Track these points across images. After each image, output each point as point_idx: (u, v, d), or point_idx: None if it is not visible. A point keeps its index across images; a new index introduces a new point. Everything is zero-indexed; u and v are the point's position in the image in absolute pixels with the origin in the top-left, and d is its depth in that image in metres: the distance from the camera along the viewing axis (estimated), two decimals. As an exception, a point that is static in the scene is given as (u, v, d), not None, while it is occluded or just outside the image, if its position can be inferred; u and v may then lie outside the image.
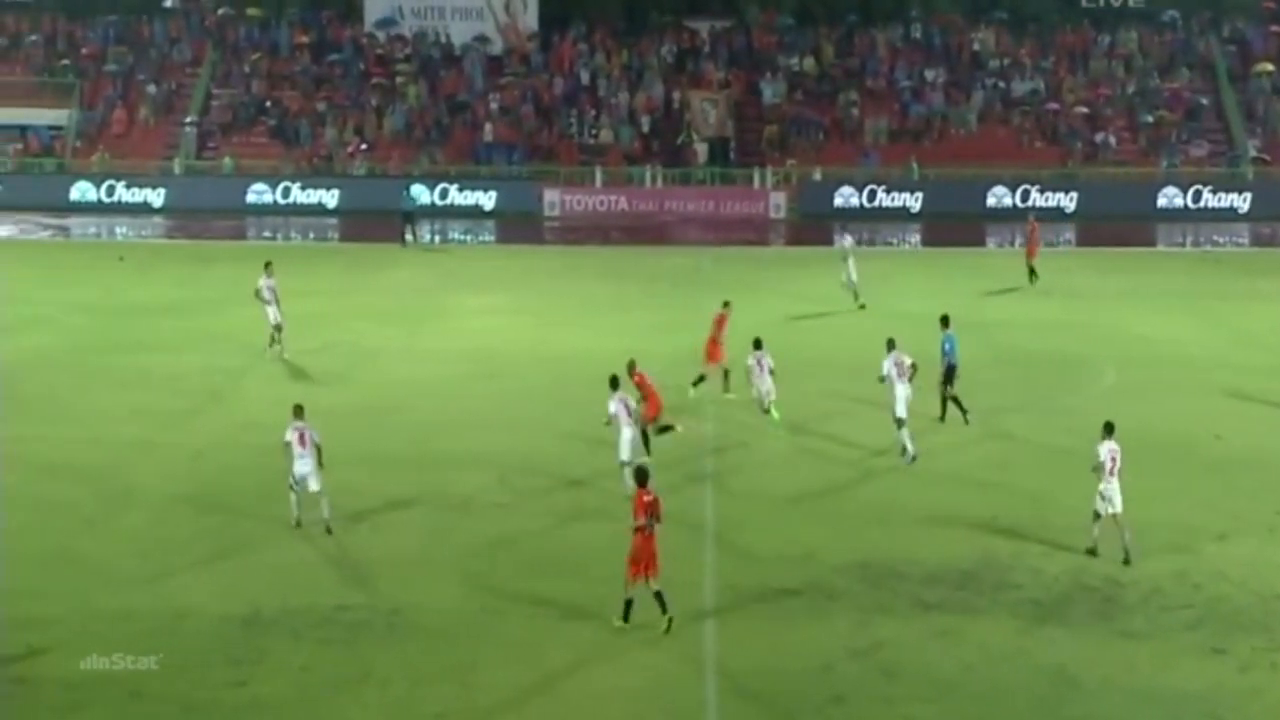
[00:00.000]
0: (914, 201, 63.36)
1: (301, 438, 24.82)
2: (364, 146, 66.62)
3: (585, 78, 70.15)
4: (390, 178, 64.60)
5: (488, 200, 63.82)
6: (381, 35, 72.44)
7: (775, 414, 30.92)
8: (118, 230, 60.25)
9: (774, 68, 70.24)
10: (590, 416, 28.59)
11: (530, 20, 71.86)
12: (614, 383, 27.10)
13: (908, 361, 28.94)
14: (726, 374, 32.91)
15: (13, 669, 19.55)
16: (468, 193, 63.86)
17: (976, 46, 71.45)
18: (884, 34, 71.94)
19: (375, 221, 59.83)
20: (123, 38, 72.55)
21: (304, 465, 24.68)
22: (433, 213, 61.95)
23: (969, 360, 32.69)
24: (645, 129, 67.77)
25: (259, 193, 63.63)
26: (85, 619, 21.11)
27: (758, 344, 31.25)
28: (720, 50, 71.38)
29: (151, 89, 69.43)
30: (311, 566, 23.31)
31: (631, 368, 28.76)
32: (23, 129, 68.09)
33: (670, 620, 20.87)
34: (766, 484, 27.62)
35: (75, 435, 30.01)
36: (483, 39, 71.69)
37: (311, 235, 58.42)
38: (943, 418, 31.04)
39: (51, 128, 68.53)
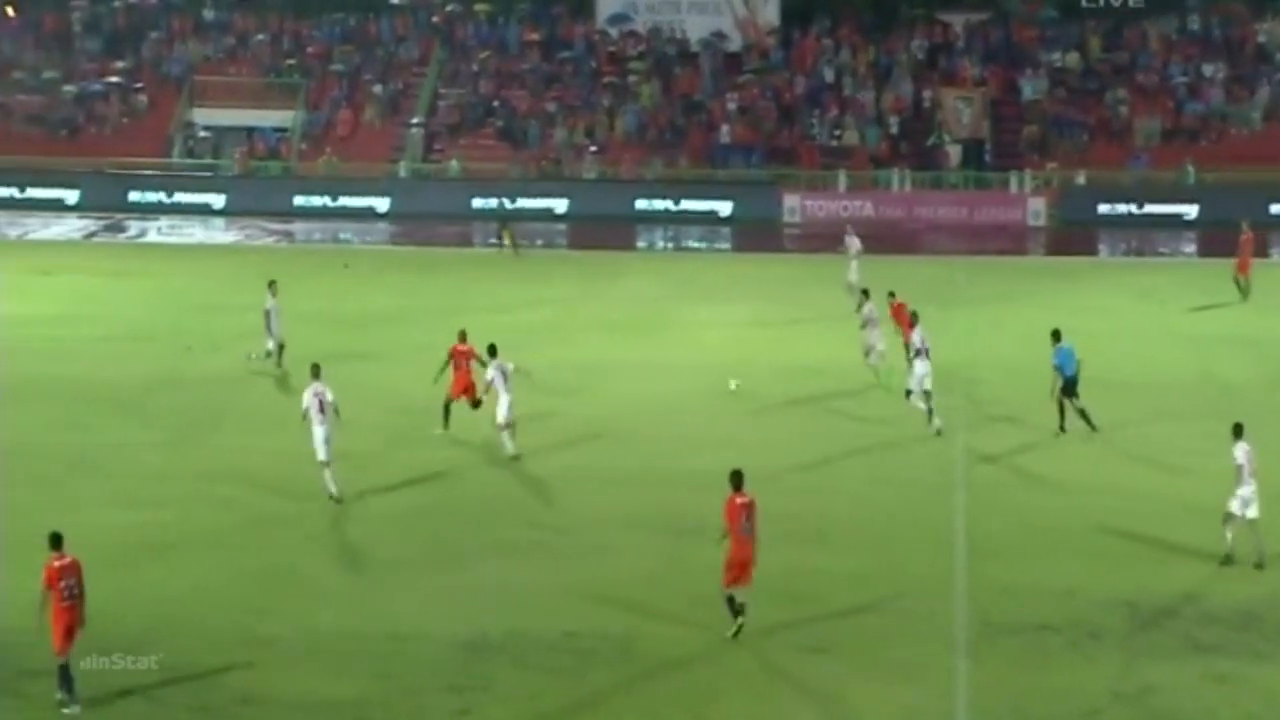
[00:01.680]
0: (1189, 209, 61.70)
1: (321, 405, 26.49)
2: (593, 149, 67.34)
3: (829, 75, 69.90)
4: (622, 182, 65.21)
5: (724, 206, 63.98)
6: (614, 32, 73.13)
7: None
8: (342, 235, 61.80)
9: (1034, 63, 69.12)
10: (836, 434, 28.45)
11: (771, 15, 71.88)
12: (492, 350, 29.95)
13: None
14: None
15: (237, 688, 20.11)
16: (701, 200, 64.10)
17: (1262, 38, 69.38)
18: (1156, 26, 70.27)
19: (606, 228, 60.46)
20: (349, 36, 74.45)
21: (322, 431, 26.16)
22: (665, 218, 62.33)
23: (1244, 382, 31.80)
24: (893, 130, 67.24)
25: (485, 198, 64.70)
26: (306, 638, 21.64)
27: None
28: (976, 45, 70.49)
29: (377, 89, 71.10)
30: (538, 589, 23.56)
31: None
32: (249, 131, 70.28)
33: (739, 630, 21.34)
34: (1024, 510, 27.16)
35: (295, 449, 30.79)
36: (720, 35, 71.90)
37: (539, 242, 59.20)
38: (1061, 428, 31.43)
39: (277, 130, 70.60)
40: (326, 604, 22.80)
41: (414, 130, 69.62)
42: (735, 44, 71.79)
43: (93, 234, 60.75)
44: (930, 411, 31.79)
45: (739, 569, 21.48)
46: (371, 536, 25.92)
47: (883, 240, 59.26)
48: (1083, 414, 31.51)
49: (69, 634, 19.18)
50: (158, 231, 61.61)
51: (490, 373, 29.72)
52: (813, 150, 66.87)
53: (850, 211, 63.02)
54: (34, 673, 20.05)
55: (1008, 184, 64.00)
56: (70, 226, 61.81)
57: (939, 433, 31.40)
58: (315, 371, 27.92)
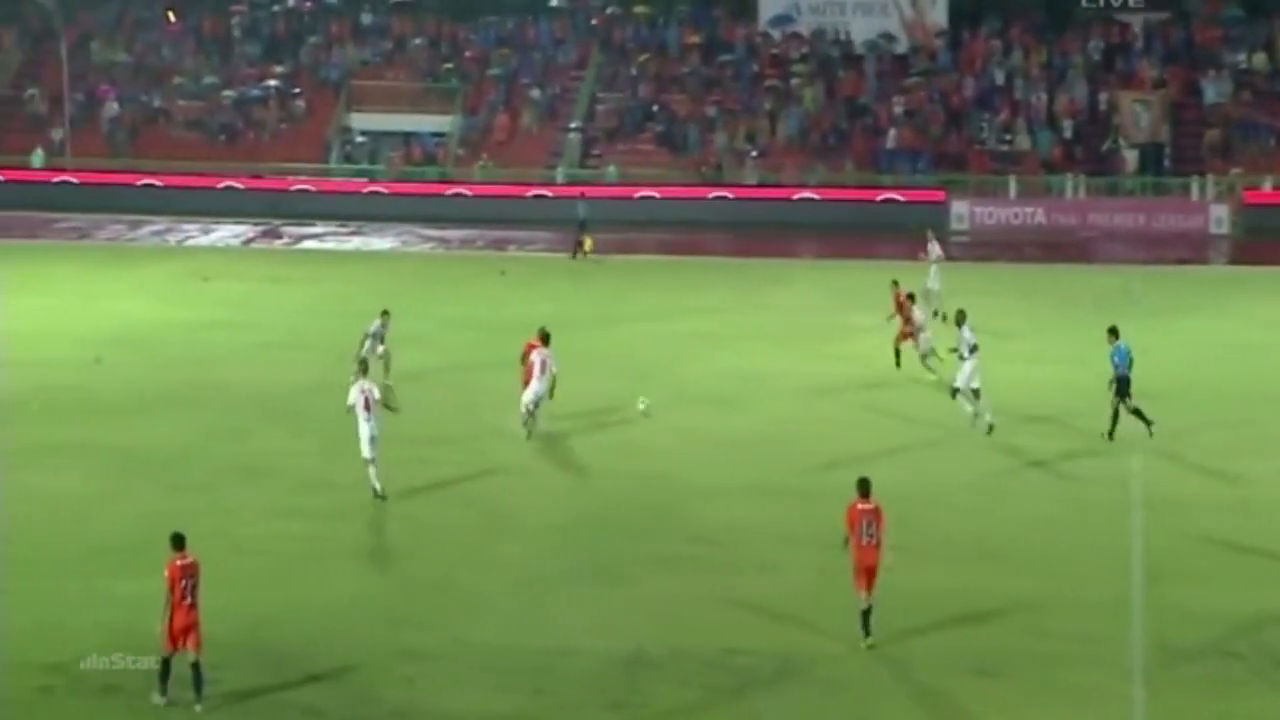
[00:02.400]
0: (1386, 218, 60.24)
1: (367, 402, 27.22)
2: (754, 154, 67.31)
3: (999, 78, 69.25)
4: (783, 187, 65.11)
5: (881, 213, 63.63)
6: (776, 34, 73.08)
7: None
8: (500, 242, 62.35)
9: (1217, 64, 67.91)
10: (1003, 450, 28.19)
11: (939, 16, 71.38)
12: (545, 338, 31.99)
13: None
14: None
15: (395, 701, 20.37)
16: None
17: None
18: (1351, 24, 68.80)
19: (766, 235, 60.40)
20: (507, 40, 75.15)
21: (368, 428, 27.30)
22: (824, 225, 62.20)
23: None
24: (1067, 134, 66.46)
25: (643, 202, 64.91)
26: (464, 652, 21.86)
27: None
28: (1155, 45, 69.43)
29: (535, 93, 71.68)
30: (697, 605, 23.61)
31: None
32: (406, 136, 71.22)
33: (872, 645, 21.65)
34: (1202, 530, 26.69)
35: (454, 457, 31.16)
36: (887, 37, 71.54)
37: (703, 249, 59.26)
38: (1111, 434, 31.32)
39: (435, 134, 71.47)
40: (485, 617, 23.01)
41: (571, 135, 70.09)
42: (902, 46, 71.39)
43: (250, 240, 61.89)
44: (975, 413, 32.15)
45: (863, 575, 21.88)
46: (529, 549, 26.14)
47: (1055, 249, 58.62)
48: (1137, 413, 31.45)
49: (184, 633, 19.59)
50: (315, 238, 62.62)
51: (535, 357, 31.49)
52: (982, 155, 66.28)
53: (1021, 219, 62.45)
54: (245, 692, 20.49)
55: (1188, 191, 62.96)
56: (228, 232, 63.03)
57: (990, 429, 31.79)
58: (363, 369, 29.14)
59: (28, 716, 19.32)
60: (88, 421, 32.56)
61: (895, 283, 39.31)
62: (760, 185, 66.00)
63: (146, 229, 63.93)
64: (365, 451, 27.95)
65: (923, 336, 37.30)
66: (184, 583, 19.64)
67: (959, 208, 63.01)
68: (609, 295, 48.50)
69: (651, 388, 36.66)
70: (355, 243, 61.88)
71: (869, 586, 21.86)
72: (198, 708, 19.71)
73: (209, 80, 73.50)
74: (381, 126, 71.68)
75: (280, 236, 62.83)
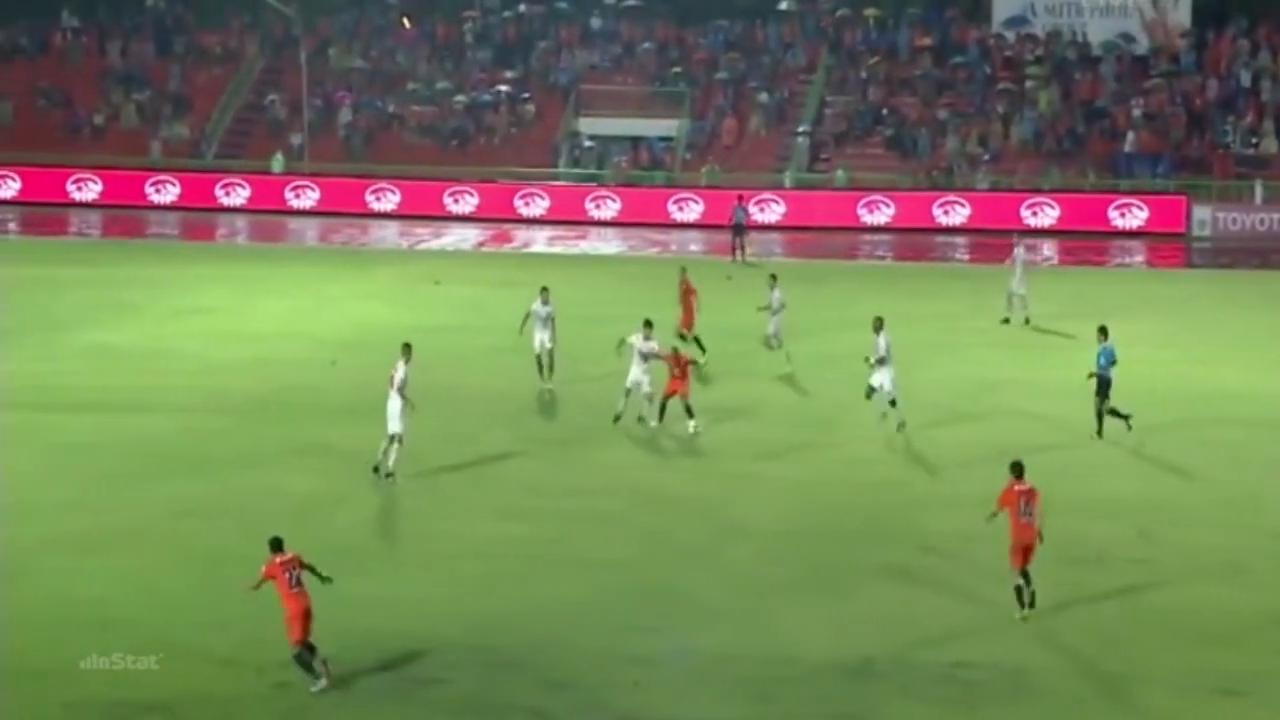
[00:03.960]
0: None
1: (397, 381, 28.62)
2: (987, 158, 66.47)
3: (1245, 79, 67.45)
4: (1017, 192, 64.19)
5: (1131, 218, 62.32)
6: (1010, 35, 72.06)
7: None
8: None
9: None
10: (1248, 463, 27.44)
11: (1182, 16, 69.76)
12: (648, 323, 32.70)
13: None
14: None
15: (619, 707, 20.44)
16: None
17: None
18: None
19: (1000, 240, 59.55)
20: (735, 44, 75.18)
21: (393, 404, 28.26)
22: (1056, 232, 61.16)
23: None
24: (1315, 137, 64.54)
25: (873, 207, 64.46)
26: (688, 658, 21.87)
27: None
28: None
29: (763, 97, 71.58)
30: (926, 616, 23.33)
31: None
32: (634, 140, 71.64)
33: (1026, 618, 22.53)
34: None
35: (679, 463, 31.22)
36: (1126, 37, 70.13)
37: (932, 255, 58.70)
38: (1099, 433, 31.93)
39: (663, 139, 71.78)
40: (711, 624, 23.01)
41: (799, 139, 69.88)
42: (1142, 47, 69.92)
43: (480, 244, 62.77)
44: (884, 414, 32.50)
45: (1020, 553, 22.93)
46: (756, 556, 26.07)
47: (1301, 256, 56.97)
48: (1113, 413, 31.94)
49: (304, 619, 20.02)
50: (544, 241, 63.29)
51: (636, 339, 32.52)
52: (1226, 159, 64.62)
53: (1267, 225, 60.79)
54: (428, 681, 20.77)
55: None
56: (459, 236, 64.00)
57: (900, 426, 32.10)
58: (406, 352, 29.90)
59: (268, 712, 19.76)
60: (324, 422, 33.26)
61: (684, 269, 41.18)
62: (992, 190, 65.13)
63: (380, 232, 65.22)
64: (391, 427, 28.81)
65: (775, 320, 38.52)
66: (287, 575, 20.14)
67: (1201, 213, 61.50)
68: (838, 301, 48.21)
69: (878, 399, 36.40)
70: (582, 246, 62.39)
71: (1025, 562, 22.86)
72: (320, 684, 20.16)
73: (441, 86, 74.69)
74: (609, 131, 72.20)
75: (509, 240, 63.61)
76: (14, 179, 69.78)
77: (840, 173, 67.30)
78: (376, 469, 29.09)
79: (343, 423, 32.47)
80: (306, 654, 20.20)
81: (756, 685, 20.98)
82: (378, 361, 33.28)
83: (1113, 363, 32.39)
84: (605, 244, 62.86)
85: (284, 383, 37.01)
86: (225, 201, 69.29)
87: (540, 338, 35.98)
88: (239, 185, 69.53)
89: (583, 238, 64.17)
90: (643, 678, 21.14)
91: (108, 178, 69.60)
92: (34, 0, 78.24)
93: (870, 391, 32.79)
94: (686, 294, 40.09)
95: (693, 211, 66.25)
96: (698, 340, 39.32)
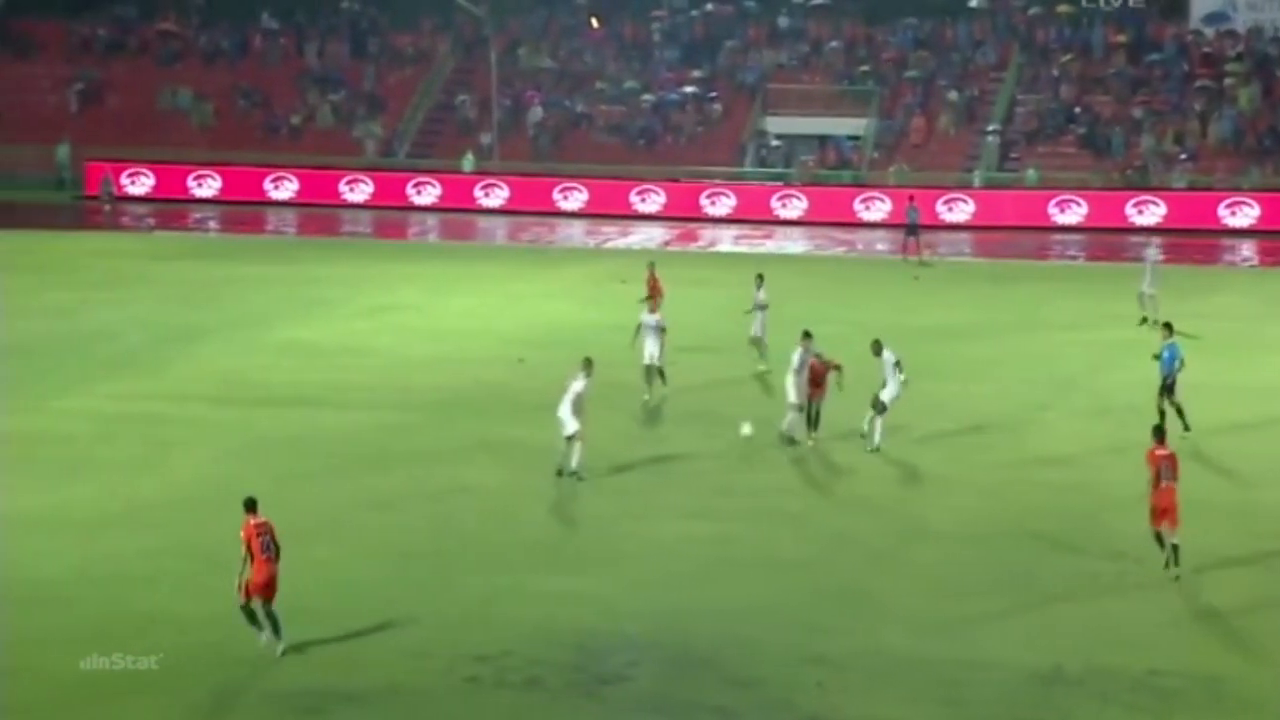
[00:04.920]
0: None
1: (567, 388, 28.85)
2: (1183, 157, 65.18)
3: None
4: (1215, 191, 62.88)
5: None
6: (1209, 32, 70.63)
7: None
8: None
9: None
10: None
11: (1387, 8, 67.92)
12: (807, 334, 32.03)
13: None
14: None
15: (806, 708, 20.35)
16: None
17: None
18: None
19: (1198, 241, 58.40)
20: (925, 42, 74.57)
21: (564, 410, 28.55)
22: (1256, 232, 59.79)
23: None
24: None
25: (1065, 206, 63.51)
26: (874, 660, 21.71)
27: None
28: None
29: (953, 95, 70.92)
30: (1119, 621, 22.94)
31: None
32: (821, 139, 71.36)
33: (1178, 576, 23.57)
34: None
35: (862, 463, 31.01)
36: (1329, 32, 68.47)
37: (1125, 255, 57.68)
38: (1184, 427, 31.58)
39: (850, 137, 71.41)
40: (896, 626, 22.82)
41: (989, 138, 69.10)
42: (1347, 41, 68.19)
43: (667, 242, 62.92)
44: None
45: (1162, 514, 24.15)
46: (943, 558, 25.81)
47: None
48: (1178, 411, 31.75)
49: (268, 585, 20.71)
50: (730, 240, 63.27)
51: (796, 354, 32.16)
52: None
53: None
54: (613, 678, 20.86)
55: None
56: (645, 235, 64.21)
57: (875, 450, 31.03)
58: (587, 366, 29.68)
59: (456, 705, 19.98)
60: (512, 419, 33.55)
61: (651, 264, 41.23)
62: (1190, 189, 63.85)
63: (567, 231, 65.69)
64: (567, 429, 28.91)
65: (759, 318, 38.11)
66: (260, 539, 20.68)
67: None
68: (1025, 302, 47.58)
69: (1070, 397, 35.88)
70: (769, 245, 62.27)
71: (1173, 524, 24.00)
72: (279, 650, 20.75)
73: (629, 85, 75.04)
74: (796, 130, 72.01)
75: (695, 239, 63.68)
76: (215, 178, 71.42)
77: (1031, 172, 66.44)
78: (560, 472, 29.24)
79: (530, 420, 32.71)
80: (251, 613, 20.84)
81: (944, 688, 20.76)
82: (564, 359, 33.56)
83: (1175, 362, 32.22)
84: (791, 243, 62.69)
85: (473, 379, 37.42)
86: (416, 200, 70.30)
87: (650, 350, 35.77)
88: (430, 184, 70.47)
89: (769, 237, 64.06)
90: (827, 678, 21.03)
91: (304, 177, 70.95)
92: (234, 3, 80.00)
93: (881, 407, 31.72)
94: (653, 290, 39.78)
95: (879, 211, 65.83)
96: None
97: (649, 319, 35.77)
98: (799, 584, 24.44)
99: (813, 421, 31.90)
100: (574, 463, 29.15)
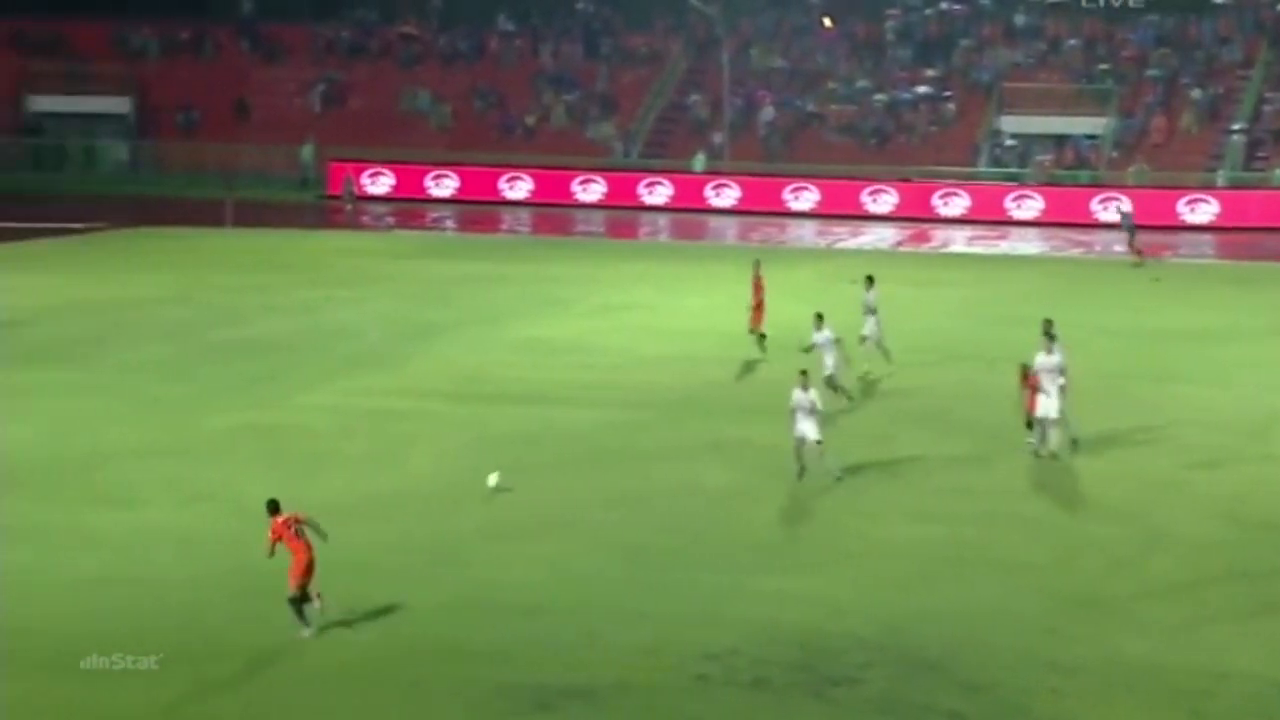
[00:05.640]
0: None
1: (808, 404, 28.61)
2: None
3: None
4: None
5: None
6: None
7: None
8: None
9: None
10: None
11: None
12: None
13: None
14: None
15: (1041, 714, 20.02)
16: None
17: None
18: None
19: None
20: (1166, 39, 72.96)
21: (804, 424, 28.44)
22: None
23: None
24: None
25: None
26: (1112, 667, 21.26)
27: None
28: None
29: (1196, 94, 69.26)
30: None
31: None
32: (1059, 139, 70.21)
33: None
34: None
35: (1102, 468, 30.41)
36: None
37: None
38: None
39: (1088, 137, 70.16)
40: (1136, 633, 22.33)
41: (1234, 137, 67.36)
42: None
43: (899, 243, 62.43)
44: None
45: None
46: (1179, 565, 25.20)
47: None
48: None
49: (307, 570, 21.29)
50: (963, 241, 62.56)
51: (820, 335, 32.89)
52: None
53: None
54: (842, 679, 20.75)
55: None
56: (877, 235, 63.79)
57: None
58: (804, 380, 29.32)
59: (686, 703, 20.02)
60: (742, 419, 33.54)
61: (758, 263, 40.25)
62: None
63: (798, 231, 65.53)
64: (810, 435, 28.62)
65: (871, 321, 37.17)
66: (290, 530, 21.49)
67: None
68: (1271, 306, 46.30)
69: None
70: (1003, 246, 61.44)
71: None
72: (305, 633, 21.36)
73: (861, 84, 74.64)
74: (1032, 129, 70.97)
75: (928, 240, 63.08)
76: (452, 178, 72.64)
77: (1278, 172, 64.59)
78: (801, 474, 29.09)
79: (760, 419, 32.70)
80: (299, 601, 21.38)
81: (1186, 699, 20.26)
82: (794, 360, 33.56)
83: None
84: (1026, 244, 61.76)
85: (703, 379, 37.49)
86: (648, 200, 70.68)
87: (827, 362, 35.31)
88: (661, 184, 70.81)
89: (1003, 238, 63.21)
90: (1062, 685, 20.64)
91: (538, 176, 71.79)
92: (472, 6, 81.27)
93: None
94: (758, 289, 39.34)
95: (1118, 212, 64.53)
96: (760, 338, 38.80)
97: (820, 336, 34.88)
98: (1033, 588, 24.05)
99: (1031, 427, 31.16)
100: (828, 465, 28.99)
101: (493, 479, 27.64)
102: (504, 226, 68.13)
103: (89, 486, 27.67)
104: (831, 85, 75.09)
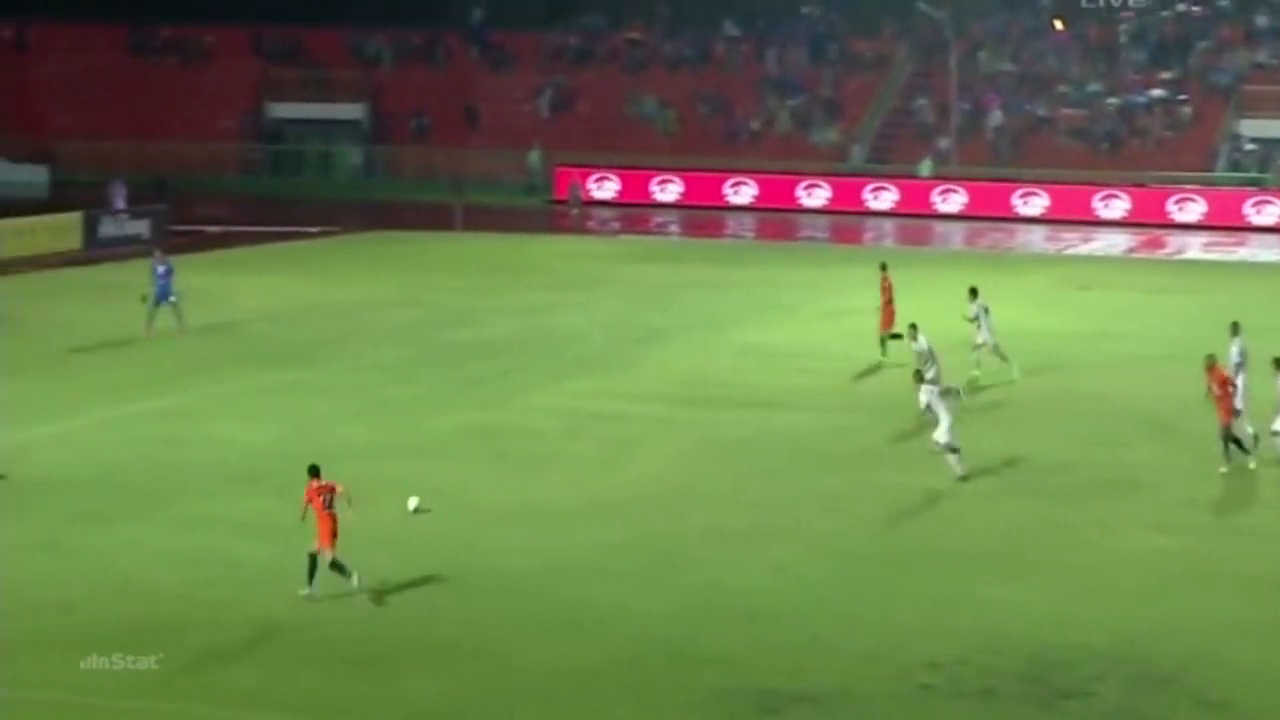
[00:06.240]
0: None
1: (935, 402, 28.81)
2: None
3: None
4: None
5: None
6: None
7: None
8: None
9: None
10: None
11: None
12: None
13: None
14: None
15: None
16: None
17: None
18: None
19: None
20: None
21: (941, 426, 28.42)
22: None
23: None
24: None
25: None
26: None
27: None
28: None
29: None
30: None
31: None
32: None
33: None
34: None
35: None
36: None
37: None
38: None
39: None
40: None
41: None
42: None
43: (1131, 249, 61.16)
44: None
45: None
46: None
47: None
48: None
49: (330, 536, 22.61)
50: (1198, 247, 61.08)
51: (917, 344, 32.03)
52: None
53: None
54: (1072, 692, 20.32)
55: None
56: (1108, 241, 62.59)
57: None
58: (919, 377, 29.97)
59: (910, 712, 19.78)
60: (965, 424, 33.04)
61: (884, 266, 39.71)
62: None
63: (1026, 236, 64.56)
64: (941, 438, 28.61)
65: (984, 329, 36.83)
66: (321, 498, 22.69)
67: None
68: None
69: None
70: (1241, 253, 59.86)
71: None
72: (304, 591, 22.57)
73: (1093, 88, 73.34)
74: (1273, 133, 69.08)
75: (1162, 245, 61.70)
76: (676, 183, 72.87)
77: None
78: (965, 477, 28.75)
79: (984, 425, 32.24)
80: (314, 564, 22.62)
81: None
82: (1022, 366, 33.00)
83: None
84: (1266, 251, 60.03)
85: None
86: (873, 205, 70.20)
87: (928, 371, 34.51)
88: (886, 189, 70.29)
89: (1241, 244, 61.58)
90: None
91: (762, 182, 71.71)
92: (698, 11, 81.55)
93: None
94: (885, 292, 38.92)
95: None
96: (884, 340, 38.25)
97: (917, 345, 33.98)
98: (1272, 603, 23.32)
99: (1227, 446, 29.96)
100: (959, 469, 28.85)
101: (412, 502, 26.86)
102: (728, 231, 68.15)
103: (322, 484, 28.20)
104: (1062, 89, 73.84)
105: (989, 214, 67.80)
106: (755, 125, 76.65)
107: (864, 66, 78.46)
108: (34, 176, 73.57)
